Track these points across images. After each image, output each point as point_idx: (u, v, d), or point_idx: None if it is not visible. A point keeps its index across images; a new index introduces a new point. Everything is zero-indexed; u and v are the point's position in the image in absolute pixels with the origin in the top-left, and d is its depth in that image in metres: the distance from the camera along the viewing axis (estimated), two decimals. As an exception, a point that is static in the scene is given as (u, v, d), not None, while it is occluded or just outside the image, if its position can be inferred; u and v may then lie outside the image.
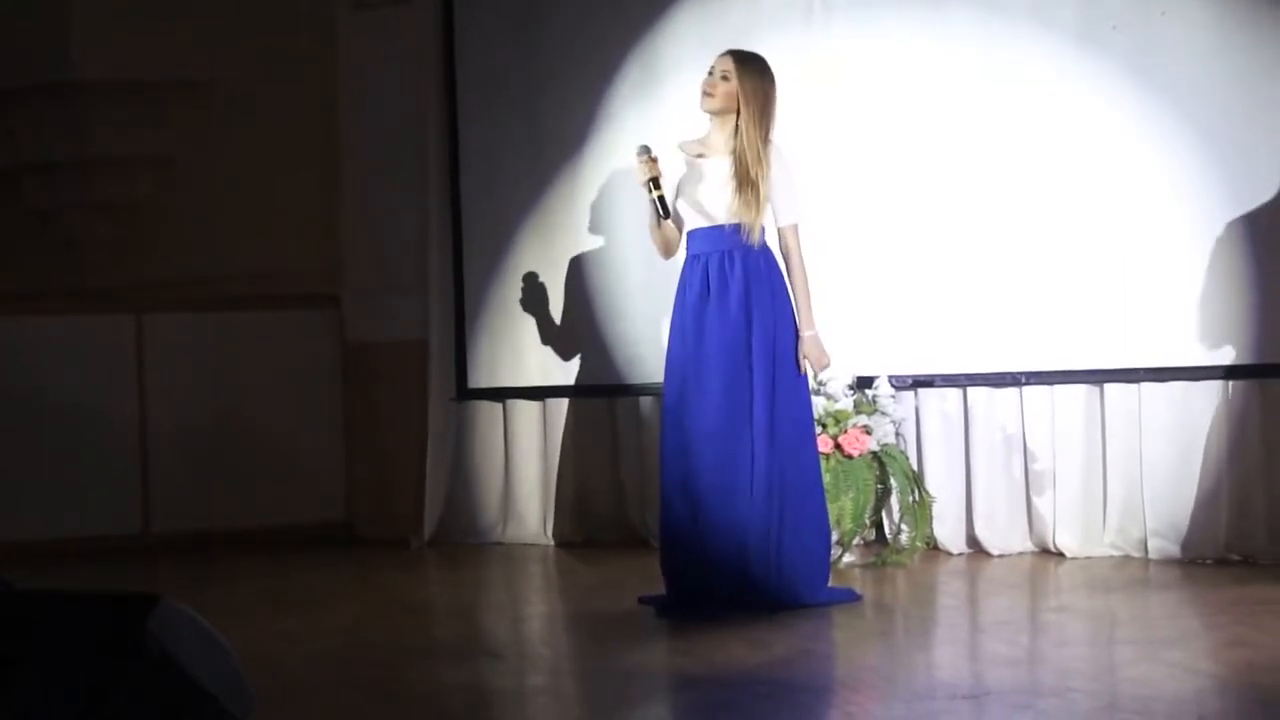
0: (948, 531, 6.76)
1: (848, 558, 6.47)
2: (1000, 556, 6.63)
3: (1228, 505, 6.28)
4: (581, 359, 7.47)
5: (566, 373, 7.51)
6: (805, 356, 5.59)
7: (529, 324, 7.57)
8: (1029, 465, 6.67)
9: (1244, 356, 6.25)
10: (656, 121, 7.07)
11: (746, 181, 5.48)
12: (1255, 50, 6.21)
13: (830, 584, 5.66)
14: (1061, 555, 6.53)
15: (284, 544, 7.85)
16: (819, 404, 6.39)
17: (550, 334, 7.50)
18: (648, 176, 5.59)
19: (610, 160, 7.35)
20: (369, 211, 8.09)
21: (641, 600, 5.71)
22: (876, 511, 6.61)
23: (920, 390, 6.83)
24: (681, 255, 5.72)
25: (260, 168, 8.47)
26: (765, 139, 5.53)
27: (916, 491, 6.53)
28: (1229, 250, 6.25)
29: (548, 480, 7.63)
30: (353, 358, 8.22)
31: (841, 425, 6.46)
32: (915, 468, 6.71)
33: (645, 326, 7.21)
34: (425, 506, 7.78)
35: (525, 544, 7.60)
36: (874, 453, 6.49)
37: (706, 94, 5.58)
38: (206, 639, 3.07)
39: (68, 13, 8.70)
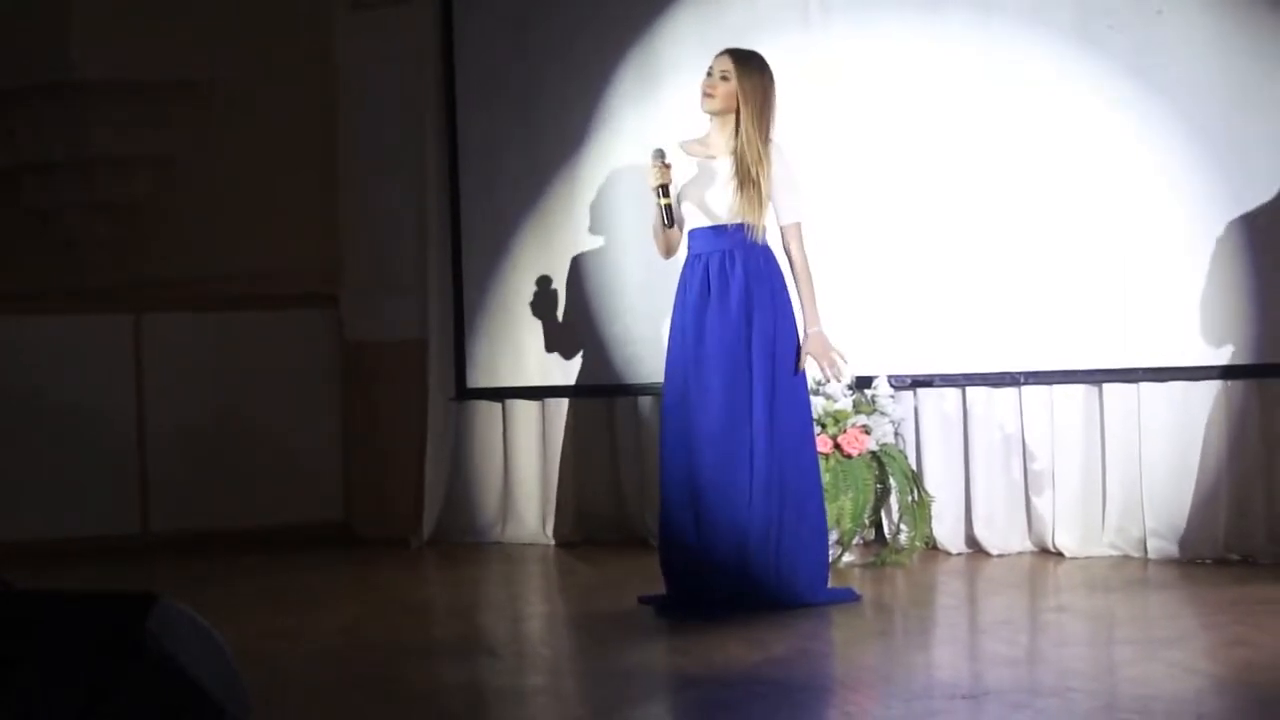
0: (947, 531, 6.77)
1: (847, 557, 6.47)
2: (999, 556, 6.63)
3: (1227, 505, 6.28)
4: (581, 359, 7.47)
5: (566, 372, 7.51)
6: (809, 354, 5.59)
7: (528, 324, 7.57)
8: (1028, 465, 6.67)
9: (1243, 356, 6.25)
10: (655, 122, 7.08)
11: (748, 180, 5.49)
12: (1254, 50, 6.21)
13: (829, 584, 5.66)
14: (1060, 555, 6.53)
15: (283, 543, 7.86)
16: (818, 404, 6.39)
17: (555, 340, 7.50)
18: (658, 182, 5.59)
19: (609, 160, 7.36)
20: (368, 211, 8.09)
21: (641, 600, 5.71)
22: (876, 511, 6.62)
23: (919, 390, 6.83)
24: (682, 255, 5.72)
25: (260, 168, 8.47)
26: (766, 137, 5.54)
27: (916, 491, 6.53)
28: (1228, 250, 6.25)
29: (547, 480, 7.63)
30: (352, 357, 8.23)
31: (840, 425, 6.47)
32: (914, 467, 6.71)
33: (644, 326, 7.21)
34: (424, 506, 7.79)
35: (524, 543, 7.61)
36: (873, 452, 6.50)
37: (707, 95, 5.58)
38: (205, 638, 3.07)
39: (68, 13, 8.70)
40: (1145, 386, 6.43)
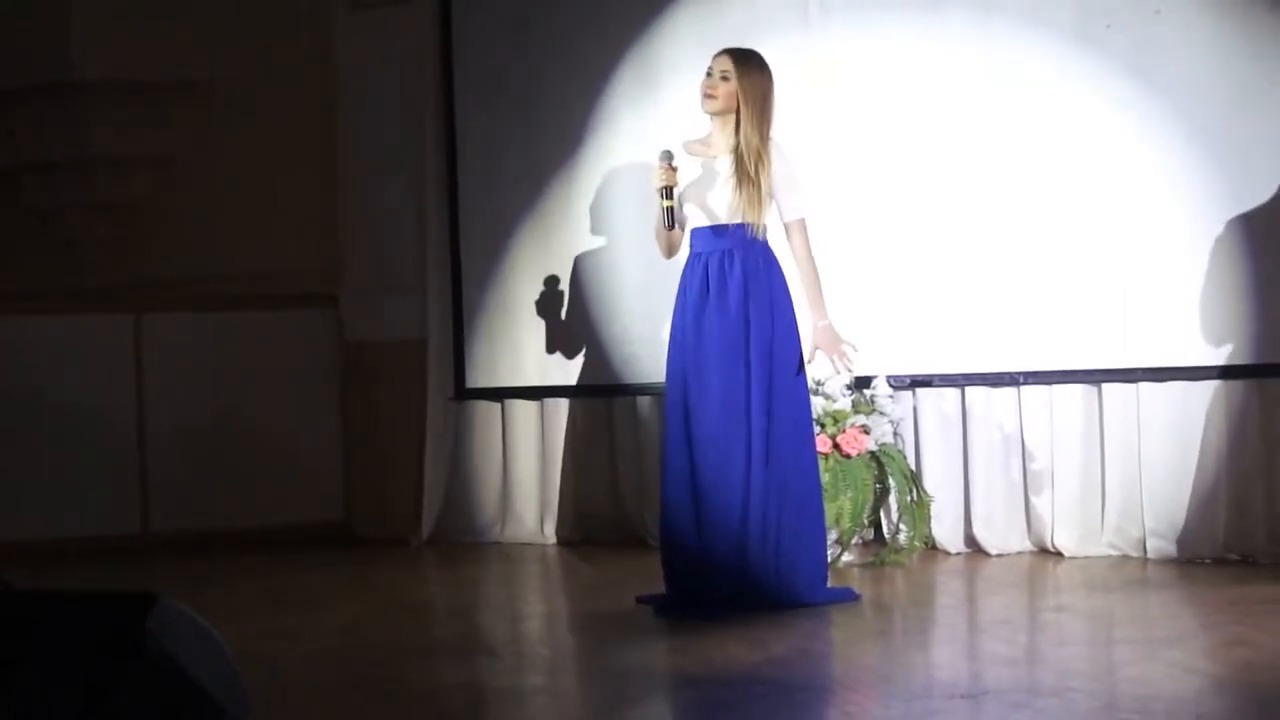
0: (946, 531, 6.77)
1: (846, 557, 6.48)
2: (998, 556, 6.63)
3: (1226, 505, 6.28)
4: (580, 359, 7.47)
5: (565, 372, 7.52)
6: (819, 347, 5.60)
7: (528, 324, 7.57)
8: (1027, 465, 6.67)
9: (1242, 356, 6.25)
10: (654, 122, 7.09)
11: (747, 179, 5.49)
12: (1253, 50, 6.21)
13: (829, 583, 5.66)
14: (1060, 555, 6.53)
15: (283, 543, 7.86)
16: (817, 404, 6.39)
17: (556, 341, 7.50)
18: (663, 184, 5.60)
19: (608, 160, 7.36)
20: (368, 211, 8.09)
21: (640, 600, 5.72)
22: (875, 511, 6.62)
23: (918, 390, 6.83)
24: (683, 254, 5.73)
25: (260, 168, 8.47)
26: (765, 136, 5.54)
27: (915, 491, 6.53)
28: (1227, 250, 6.25)
29: (546, 480, 7.63)
30: (352, 357, 8.23)
31: (840, 425, 6.47)
32: (913, 467, 6.71)
33: (643, 326, 7.22)
34: (424, 506, 7.79)
35: (523, 543, 7.61)
36: (872, 452, 6.50)
37: (708, 96, 5.58)
38: (205, 638, 3.07)
39: (68, 13, 8.70)
40: (1144, 386, 6.43)
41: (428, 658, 5.05)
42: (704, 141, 5.69)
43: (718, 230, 5.57)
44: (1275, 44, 6.19)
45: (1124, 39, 6.40)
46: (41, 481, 7.87)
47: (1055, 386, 6.59)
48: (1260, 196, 6.20)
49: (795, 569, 5.48)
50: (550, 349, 7.51)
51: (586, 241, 7.44)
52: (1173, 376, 6.36)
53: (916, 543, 6.50)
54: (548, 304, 7.51)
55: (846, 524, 6.38)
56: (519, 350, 7.63)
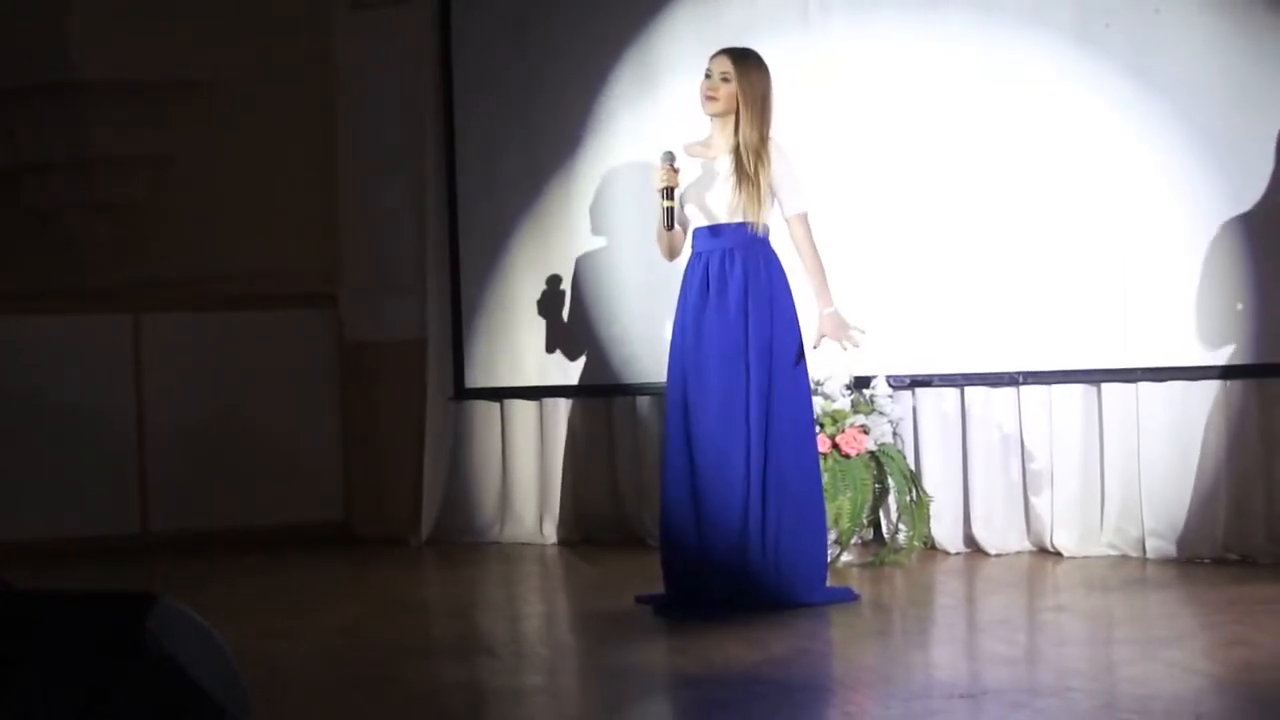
0: (945, 531, 6.77)
1: (845, 557, 6.48)
2: (998, 556, 6.63)
3: (1225, 505, 6.28)
4: (579, 359, 7.48)
5: (564, 372, 7.52)
6: (824, 334, 5.60)
7: (527, 324, 7.57)
8: (1026, 465, 6.67)
9: (1242, 356, 6.25)
10: (654, 122, 7.09)
11: (747, 178, 5.50)
12: (1253, 50, 6.21)
13: (828, 583, 5.67)
14: (1059, 555, 6.54)
15: (282, 543, 7.86)
16: (816, 404, 6.39)
17: (557, 342, 7.51)
18: (664, 185, 5.60)
19: (608, 160, 7.36)
20: (368, 211, 8.09)
21: (639, 599, 5.72)
22: (874, 511, 6.62)
23: (918, 390, 6.83)
24: (684, 256, 5.73)
25: (260, 168, 8.47)
26: (765, 134, 5.55)
27: (914, 491, 6.54)
28: (1227, 250, 6.25)
29: (545, 480, 7.63)
30: (351, 357, 8.23)
31: (839, 425, 6.47)
32: (913, 467, 6.72)
33: (643, 327, 7.22)
34: (423, 506, 7.79)
35: (522, 543, 7.61)
36: (871, 452, 6.50)
37: (710, 98, 5.58)
38: (205, 638, 3.07)
39: (68, 13, 8.71)
40: (1144, 386, 6.43)
41: (427, 657, 5.05)
42: (704, 143, 5.69)
43: (718, 230, 5.57)
44: (1275, 44, 6.19)
45: (1124, 39, 6.40)
46: (41, 481, 7.87)
47: (1055, 386, 6.59)
48: (1259, 196, 6.20)
49: (795, 569, 5.48)
50: (550, 349, 7.51)
51: (586, 242, 7.44)
52: (1172, 376, 6.36)
53: (916, 543, 6.50)
54: (548, 304, 7.51)
55: (845, 524, 6.38)
56: (518, 350, 7.63)
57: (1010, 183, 6.60)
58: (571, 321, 7.48)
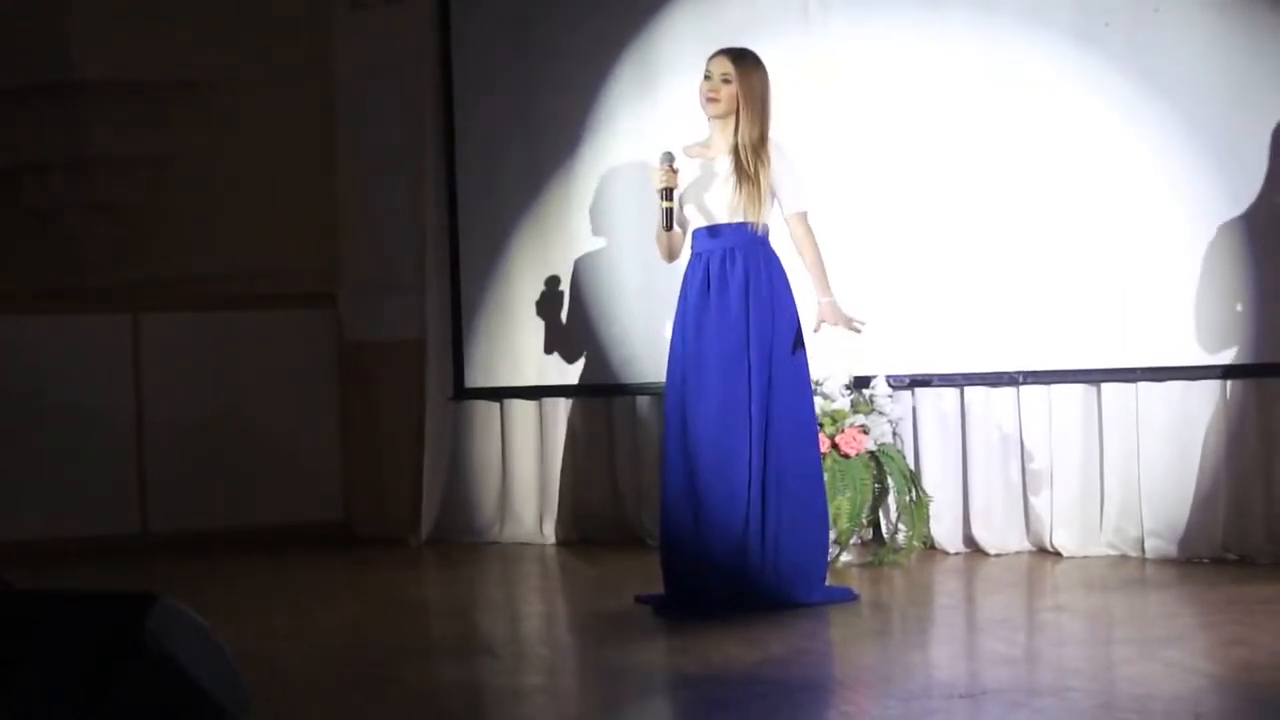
0: (945, 531, 6.77)
1: (845, 557, 6.48)
2: (997, 556, 6.63)
3: (1225, 505, 6.28)
4: (579, 359, 7.48)
5: (564, 372, 7.52)
6: (823, 320, 5.60)
7: (527, 324, 7.58)
8: (1026, 465, 6.67)
9: (1242, 356, 6.25)
10: (653, 121, 7.09)
11: (746, 177, 5.50)
12: (1252, 49, 6.21)
13: (827, 583, 5.67)
14: (1058, 554, 6.54)
15: (282, 543, 7.86)
16: (816, 404, 6.38)
17: (550, 341, 7.51)
18: (663, 185, 5.59)
19: (608, 160, 7.36)
20: (367, 211, 8.10)
21: (639, 599, 5.72)
22: (873, 511, 6.62)
23: (917, 390, 6.84)
24: (685, 256, 5.73)
25: (260, 168, 8.48)
26: (764, 133, 5.55)
27: (914, 491, 6.54)
28: (1227, 250, 6.25)
29: (545, 480, 7.64)
30: (351, 357, 8.24)
31: (838, 425, 6.47)
32: (912, 467, 6.72)
33: (642, 327, 7.22)
34: (423, 505, 7.80)
35: (522, 543, 7.61)
36: (871, 452, 6.50)
37: (712, 100, 5.57)
38: (205, 638, 3.08)
39: (68, 13, 8.72)
40: (1144, 386, 6.43)
41: (427, 657, 5.05)
42: (704, 144, 5.69)
43: (717, 230, 5.57)
44: (1275, 44, 6.19)
45: (1123, 39, 6.40)
46: (41, 481, 7.88)
47: (1054, 386, 6.59)
48: (1259, 196, 6.20)
49: (794, 569, 5.48)
50: (549, 350, 7.52)
51: (586, 242, 7.44)
52: (1172, 376, 6.36)
53: (915, 542, 6.50)
54: (547, 305, 7.51)
55: (845, 524, 6.38)
56: (518, 350, 7.63)
57: (1010, 183, 6.60)
58: (571, 322, 7.48)
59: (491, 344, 7.71)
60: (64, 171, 8.96)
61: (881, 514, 6.71)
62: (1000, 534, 6.70)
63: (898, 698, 4.18)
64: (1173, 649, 4.60)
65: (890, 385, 6.68)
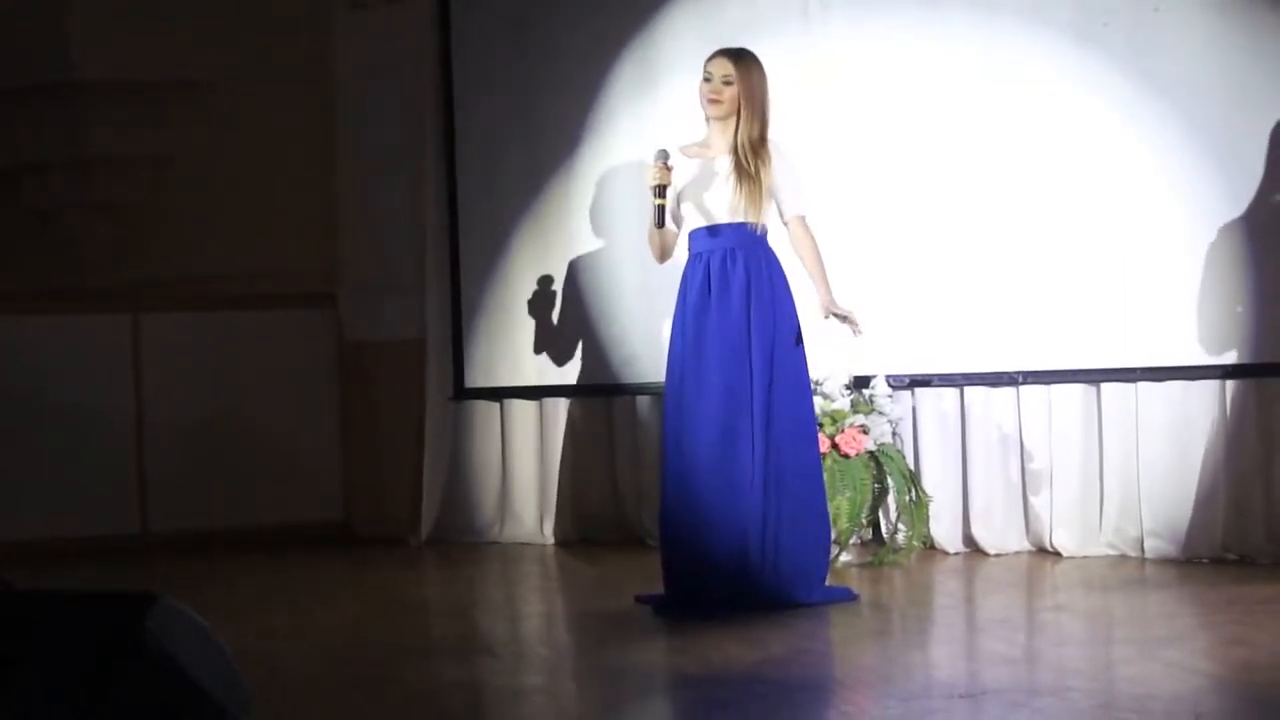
0: (944, 531, 6.77)
1: (845, 557, 6.48)
2: (997, 556, 6.63)
3: (1225, 505, 6.28)
4: (578, 359, 7.48)
5: (564, 373, 7.52)
6: (829, 311, 5.60)
7: (527, 324, 7.58)
8: (1026, 464, 6.68)
9: (1242, 356, 6.25)
10: (653, 121, 7.09)
11: (747, 176, 5.50)
12: (1252, 49, 6.21)
13: (827, 583, 5.67)
14: (1058, 554, 6.54)
15: (282, 543, 7.87)
16: (816, 404, 6.39)
17: (546, 341, 7.51)
18: (656, 182, 5.59)
19: (608, 160, 7.37)
20: (367, 211, 8.10)
21: (638, 599, 5.72)
22: (873, 511, 6.63)
23: (917, 390, 6.84)
24: (682, 256, 5.73)
25: (260, 168, 8.48)
26: (764, 133, 5.55)
27: (913, 491, 6.54)
28: (1227, 250, 6.25)
29: (545, 480, 7.64)
30: (351, 357, 8.24)
31: (838, 425, 6.47)
32: (912, 467, 6.72)
33: (642, 327, 7.22)
34: (423, 505, 7.80)
35: (522, 543, 7.62)
36: (871, 452, 6.50)
37: (715, 102, 5.57)
38: (205, 638, 3.08)
39: (68, 13, 8.72)
40: (1143, 386, 6.43)
41: (427, 657, 5.05)
42: (702, 144, 5.69)
43: (717, 230, 5.57)
44: (1275, 44, 6.19)
45: (1123, 39, 6.40)
46: (41, 481, 7.88)
47: (1054, 386, 6.60)
48: (1260, 196, 6.20)
49: (794, 569, 5.48)
50: (539, 349, 7.51)
51: (586, 242, 7.44)
52: (1172, 376, 6.36)
53: (915, 542, 6.50)
54: (539, 304, 7.51)
55: (845, 524, 6.38)
56: (518, 350, 7.63)
57: (1010, 183, 6.60)
58: (571, 322, 7.48)
59: (491, 344, 7.72)
60: (64, 171, 8.96)
61: (881, 514, 6.71)
62: (1000, 534, 6.70)
63: (898, 698, 4.18)
64: (1173, 649, 4.60)
65: (890, 385, 6.68)
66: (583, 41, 7.45)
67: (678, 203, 5.65)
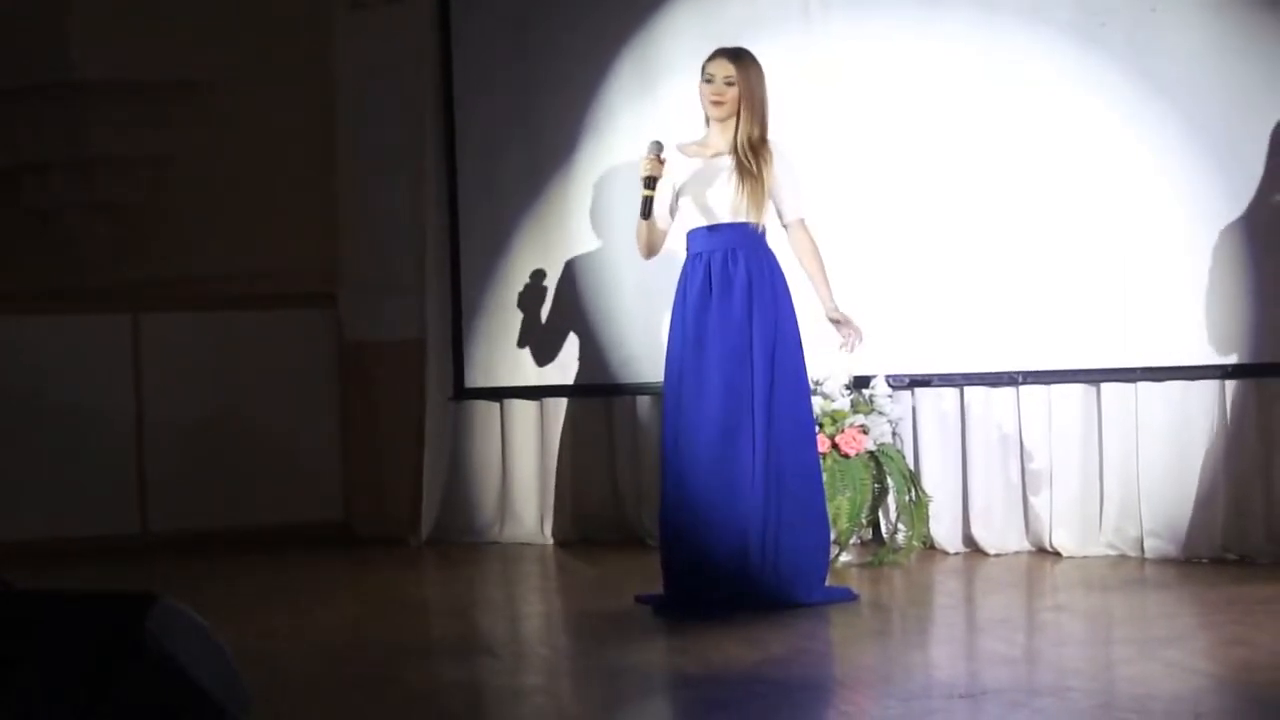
0: (944, 531, 6.77)
1: (845, 557, 6.48)
2: (997, 556, 6.63)
3: (1225, 505, 6.28)
4: (578, 359, 7.48)
5: (563, 372, 7.52)
6: (836, 321, 5.62)
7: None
8: (1026, 464, 6.68)
9: (1242, 356, 6.25)
10: (653, 121, 7.07)
11: (749, 175, 5.50)
12: (1252, 49, 6.21)
13: (827, 583, 5.67)
14: (1058, 554, 6.54)
15: (282, 543, 7.87)
16: (816, 404, 6.39)
17: (533, 337, 7.51)
18: (647, 174, 5.59)
19: (608, 159, 7.36)
20: (367, 211, 8.10)
21: (638, 599, 5.72)
22: (873, 511, 6.62)
23: (917, 389, 6.84)
24: (683, 255, 5.72)
25: (260, 168, 8.48)
26: (764, 132, 5.56)
27: (913, 491, 6.54)
28: (1227, 250, 6.25)
29: (545, 480, 7.64)
30: (351, 357, 8.24)
31: (838, 425, 6.47)
32: (912, 467, 6.72)
33: (642, 327, 7.22)
34: (423, 505, 7.80)
35: (522, 543, 7.62)
36: (871, 452, 6.50)
37: (717, 103, 5.56)
38: (205, 638, 3.08)
39: (68, 13, 8.72)
40: (1143, 386, 6.43)
41: (427, 657, 5.05)
42: (701, 143, 5.68)
43: (717, 229, 5.57)
44: (1275, 44, 6.19)
45: (1123, 39, 6.40)
46: (41, 481, 7.88)
47: (1054, 386, 6.60)
48: (1259, 196, 6.20)
49: (794, 569, 5.48)
50: (522, 343, 7.51)
51: (586, 241, 7.44)
52: (1171, 376, 6.36)
53: (915, 542, 6.50)
54: (530, 298, 7.51)
55: (844, 524, 6.38)
56: (517, 350, 7.63)
57: (1010, 183, 6.60)
58: (571, 321, 7.48)
59: (491, 344, 7.71)
60: (64, 171, 8.96)
61: (881, 514, 6.71)
62: (1000, 534, 6.70)
63: (898, 698, 4.18)
64: (1173, 649, 4.60)
65: (890, 385, 6.68)
66: (582, 41, 7.45)
67: (675, 199, 5.65)
